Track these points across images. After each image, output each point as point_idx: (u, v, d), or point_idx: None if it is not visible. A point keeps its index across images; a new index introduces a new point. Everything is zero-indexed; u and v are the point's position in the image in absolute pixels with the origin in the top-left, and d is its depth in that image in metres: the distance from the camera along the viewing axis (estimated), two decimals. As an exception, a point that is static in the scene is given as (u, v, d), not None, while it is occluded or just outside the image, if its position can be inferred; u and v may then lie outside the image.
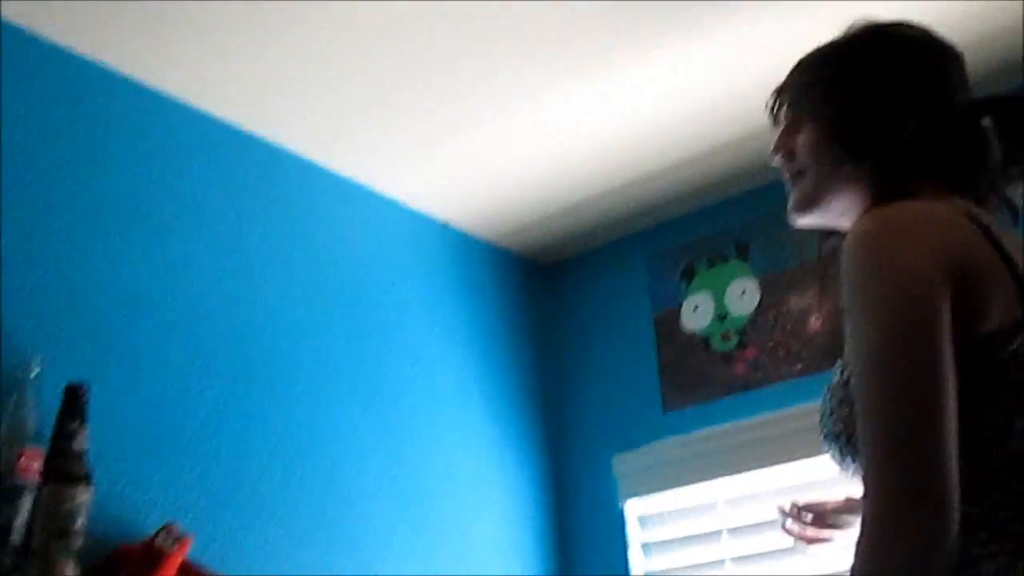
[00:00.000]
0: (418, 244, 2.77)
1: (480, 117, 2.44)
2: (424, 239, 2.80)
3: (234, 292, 2.28)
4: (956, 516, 1.00)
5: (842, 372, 1.19)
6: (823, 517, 1.62)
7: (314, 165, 2.55)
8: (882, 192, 1.23)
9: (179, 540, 1.79)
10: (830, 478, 1.91)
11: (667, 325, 2.83)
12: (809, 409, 1.40)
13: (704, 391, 2.71)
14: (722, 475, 2.61)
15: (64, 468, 1.76)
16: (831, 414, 1.20)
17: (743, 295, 2.72)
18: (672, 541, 2.70)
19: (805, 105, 1.33)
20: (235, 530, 2.10)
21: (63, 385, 1.82)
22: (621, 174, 2.71)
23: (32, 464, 1.75)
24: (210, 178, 2.32)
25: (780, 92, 1.38)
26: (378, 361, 2.54)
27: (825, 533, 1.62)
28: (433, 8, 2.08)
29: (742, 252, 2.75)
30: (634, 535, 2.74)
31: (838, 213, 1.31)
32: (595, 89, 2.37)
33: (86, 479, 1.78)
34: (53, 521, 1.73)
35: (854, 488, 1.22)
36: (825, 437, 1.22)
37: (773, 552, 2.50)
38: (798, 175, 1.33)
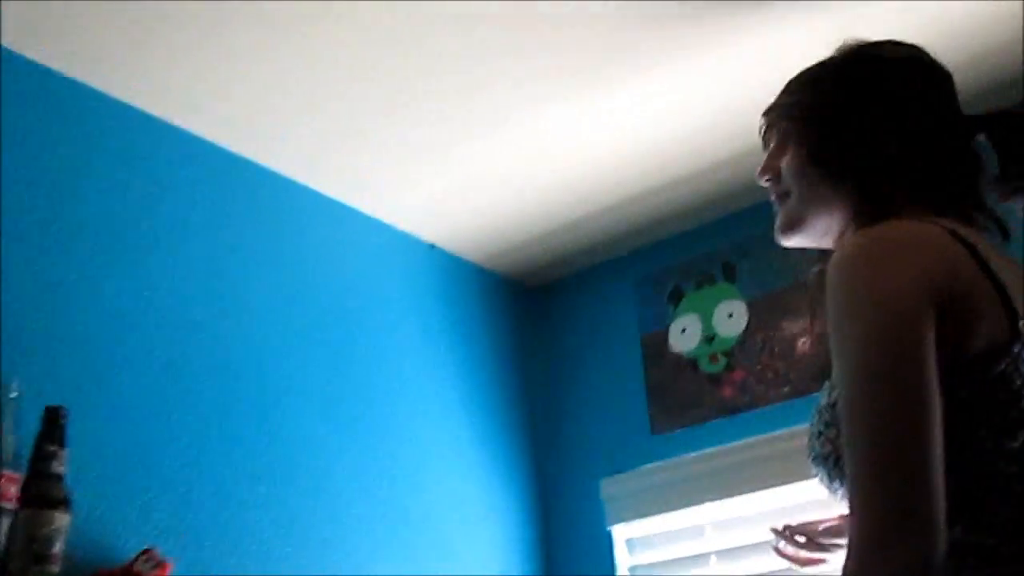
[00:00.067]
0: (404, 265, 2.76)
1: (467, 138, 2.43)
2: (410, 260, 2.78)
3: (217, 314, 2.26)
4: (943, 539, 0.99)
5: (830, 394, 1.18)
6: (816, 538, 1.61)
7: (299, 185, 2.54)
8: (865, 213, 1.23)
9: (159, 565, 1.76)
10: (819, 501, 1.90)
11: (655, 347, 2.81)
12: (798, 432, 1.39)
13: (692, 414, 2.70)
14: (710, 499, 2.59)
15: (42, 492, 1.74)
16: (819, 436, 1.19)
17: (731, 317, 2.71)
18: (660, 564, 2.69)
19: (787, 128, 1.34)
20: (217, 555, 2.07)
21: (42, 408, 1.79)
22: (608, 195, 2.71)
23: (10, 488, 1.72)
24: (193, 199, 2.30)
25: (767, 114, 1.39)
26: (363, 384, 2.52)
27: (819, 555, 1.61)
28: (420, 29, 2.08)
29: (730, 274, 2.74)
30: (622, 559, 2.73)
31: (822, 233, 1.31)
32: (583, 111, 2.37)
33: (65, 503, 1.75)
34: (31, 546, 1.70)
35: (844, 509, 1.20)
36: (813, 459, 1.21)
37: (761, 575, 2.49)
38: (784, 196, 1.34)
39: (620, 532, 2.74)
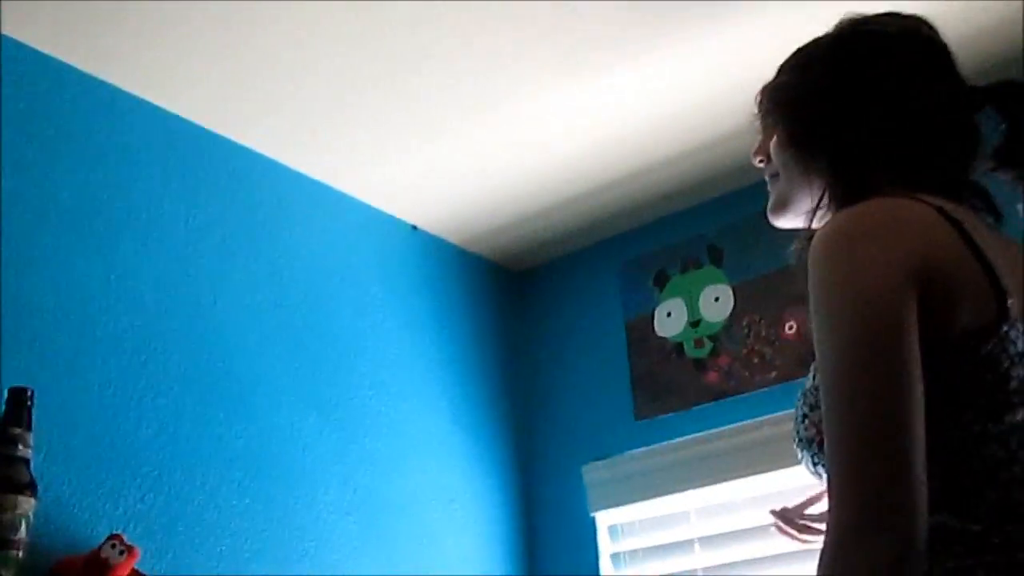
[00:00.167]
0: (385, 247, 2.72)
1: (452, 118, 2.40)
2: (391, 242, 2.74)
3: (191, 295, 2.21)
4: (923, 529, 0.98)
5: (814, 377, 1.16)
6: (814, 523, 1.59)
7: (277, 164, 2.49)
8: (841, 192, 1.22)
9: (126, 551, 1.72)
10: (805, 487, 1.88)
11: (639, 332, 2.79)
12: (783, 418, 1.38)
13: (677, 399, 2.67)
14: (694, 485, 2.57)
15: (7, 475, 1.71)
16: (803, 419, 1.17)
17: (717, 301, 2.68)
18: (643, 551, 2.67)
19: (774, 108, 1.34)
20: (188, 543, 2.03)
21: (6, 389, 1.75)
22: (593, 178, 2.68)
23: (-27, 472, 1.68)
24: (167, 178, 2.25)
25: (760, 95, 1.39)
26: (342, 368, 2.48)
27: (816, 536, 1.59)
28: (404, 10, 2.04)
29: (716, 257, 2.72)
30: (605, 546, 2.71)
31: (807, 214, 1.30)
32: (567, 93, 2.34)
33: (30, 487, 1.72)
34: (-7, 531, 1.66)
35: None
36: (798, 443, 1.20)
37: (746, 562, 2.48)
38: (774, 177, 1.35)
39: (603, 518, 2.72)
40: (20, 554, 1.68)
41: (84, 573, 1.70)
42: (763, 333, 2.58)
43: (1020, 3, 2.12)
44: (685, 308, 2.73)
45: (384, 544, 2.42)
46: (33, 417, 1.76)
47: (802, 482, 1.49)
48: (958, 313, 1.06)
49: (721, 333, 2.65)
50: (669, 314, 2.75)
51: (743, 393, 2.57)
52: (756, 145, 1.38)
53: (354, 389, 2.49)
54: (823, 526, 1.56)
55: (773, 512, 1.64)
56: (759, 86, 1.38)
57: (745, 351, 2.60)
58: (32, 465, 1.75)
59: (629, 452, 2.69)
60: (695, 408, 2.63)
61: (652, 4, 2.07)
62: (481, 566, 2.65)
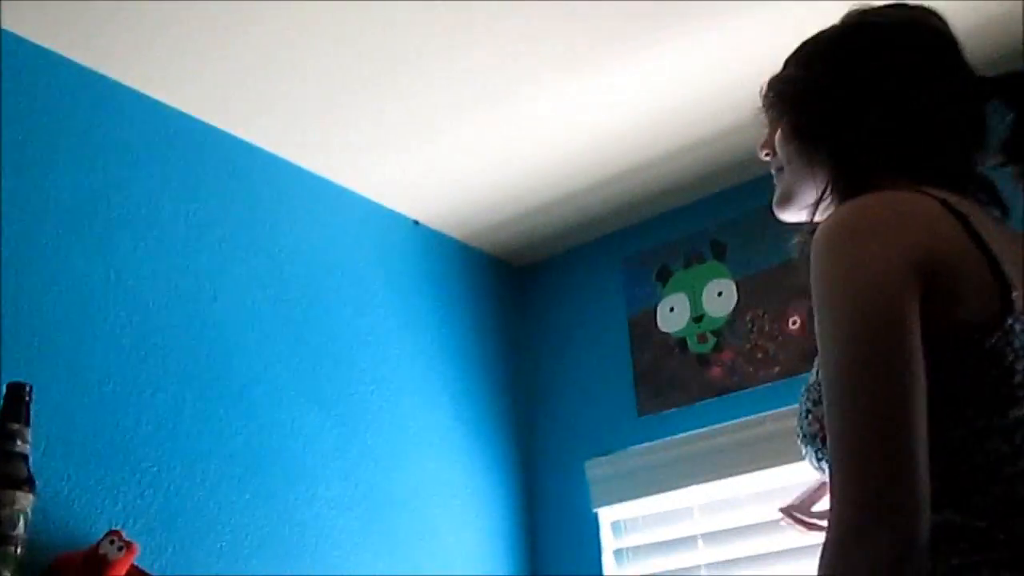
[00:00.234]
0: (386, 242, 2.71)
1: (454, 113, 2.39)
2: (393, 237, 2.73)
3: (191, 290, 2.20)
4: (925, 527, 0.96)
5: (818, 372, 1.14)
6: (818, 519, 1.58)
7: (278, 159, 2.48)
8: (842, 185, 1.22)
9: (125, 547, 1.71)
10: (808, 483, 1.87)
11: (642, 327, 2.77)
12: (787, 413, 1.36)
13: (680, 395, 2.66)
14: (698, 481, 2.55)
15: (4, 471, 1.70)
16: (807, 415, 1.16)
17: (720, 296, 2.67)
18: (646, 547, 2.65)
19: (778, 101, 1.33)
20: (188, 539, 2.02)
21: (4, 385, 1.75)
22: (595, 173, 2.67)
23: (-28, 468, 1.67)
24: (166, 172, 2.24)
25: (765, 87, 1.38)
26: (343, 364, 2.47)
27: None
28: (405, 6, 2.03)
29: (719, 252, 2.70)
30: (607, 542, 2.69)
31: (811, 207, 1.29)
32: (569, 88, 2.33)
33: (28, 483, 1.71)
34: (-8, 527, 1.65)
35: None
36: (802, 439, 1.19)
37: (749, 558, 2.46)
38: (780, 171, 1.35)
39: (606, 514, 2.70)
40: (18, 550, 1.67)
41: (83, 569, 1.69)
42: (767, 328, 2.56)
43: (1020, 2, 2.10)
44: (688, 303, 2.71)
45: (385, 540, 2.41)
46: (32, 413, 1.76)
47: (806, 478, 1.49)
48: (962, 307, 1.04)
49: (724, 328, 2.64)
50: (672, 309, 2.74)
51: (746, 388, 2.55)
52: (763, 138, 1.37)
53: (355, 385, 2.48)
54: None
55: (782, 510, 1.63)
56: (760, 81, 1.37)
57: (748, 346, 2.58)
58: (31, 461, 1.74)
59: (632, 448, 2.67)
60: (698, 403, 2.61)
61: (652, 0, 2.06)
62: (483, 562, 2.64)
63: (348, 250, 2.59)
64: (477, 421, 2.77)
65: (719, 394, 2.59)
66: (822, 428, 1.11)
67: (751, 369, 2.56)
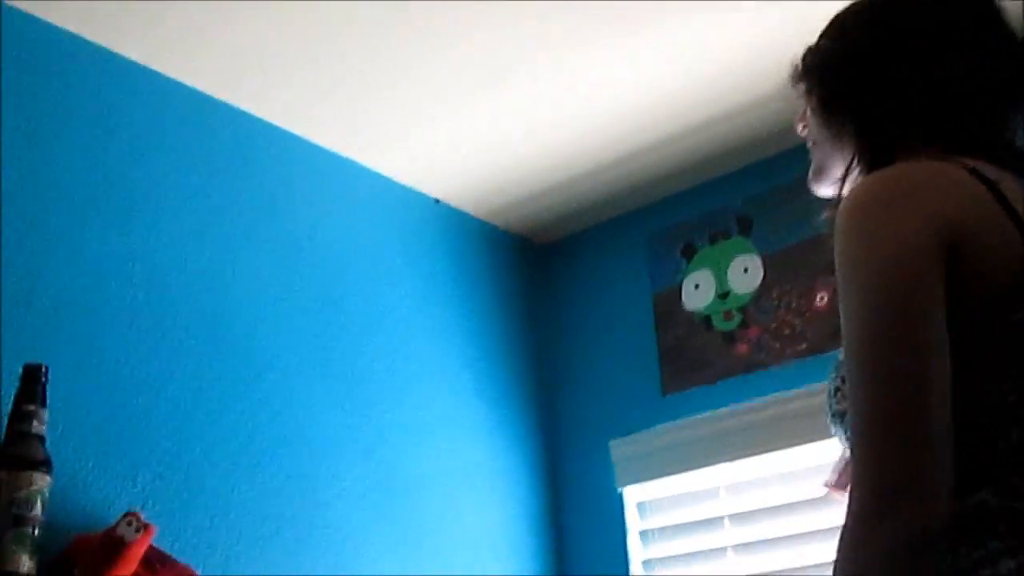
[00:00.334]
0: (407, 221, 2.68)
1: (473, 90, 2.36)
2: (413, 216, 2.70)
3: (208, 270, 2.18)
4: (940, 514, 0.94)
5: (847, 349, 1.11)
6: None
7: (296, 137, 2.45)
8: (869, 156, 1.19)
9: (142, 529, 1.69)
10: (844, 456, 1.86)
11: (667, 305, 2.73)
12: (814, 391, 1.33)
13: (705, 373, 2.62)
14: (723, 460, 2.52)
15: (21, 453, 1.69)
16: (836, 392, 1.13)
17: (746, 272, 2.62)
18: (672, 528, 2.63)
19: (807, 74, 1.31)
20: (205, 521, 2.01)
21: (21, 366, 1.73)
22: (618, 149, 2.62)
23: (-12, 449, 1.67)
24: (183, 151, 2.22)
25: (800, 59, 1.35)
26: (364, 344, 2.44)
27: None
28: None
29: (745, 228, 2.66)
30: (632, 522, 2.67)
31: (842, 180, 1.26)
32: (590, 62, 2.29)
33: (45, 464, 1.70)
34: (10, 508, 1.65)
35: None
36: (831, 417, 1.15)
37: (776, 539, 2.43)
38: (814, 145, 1.32)
39: (631, 494, 2.68)
40: (35, 531, 1.66)
41: (100, 551, 1.67)
42: (793, 304, 2.52)
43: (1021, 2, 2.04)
44: (713, 280, 2.67)
45: (408, 521, 2.39)
46: (48, 394, 1.74)
47: (834, 456, 1.46)
48: (991, 277, 1.01)
49: (750, 305, 2.60)
50: (697, 286, 2.70)
51: (773, 366, 2.51)
52: (800, 112, 1.35)
53: (376, 364, 2.46)
54: None
55: (826, 485, 1.61)
56: (785, 53, 1.34)
57: (775, 323, 2.54)
58: (47, 442, 1.73)
59: (657, 427, 2.64)
60: (724, 382, 2.58)
61: (677, -33, 2.02)
62: (507, 544, 2.61)
63: (368, 229, 2.56)
64: (500, 401, 2.74)
65: (745, 372, 2.55)
66: (852, 406, 1.08)
67: (777, 346, 2.52)
